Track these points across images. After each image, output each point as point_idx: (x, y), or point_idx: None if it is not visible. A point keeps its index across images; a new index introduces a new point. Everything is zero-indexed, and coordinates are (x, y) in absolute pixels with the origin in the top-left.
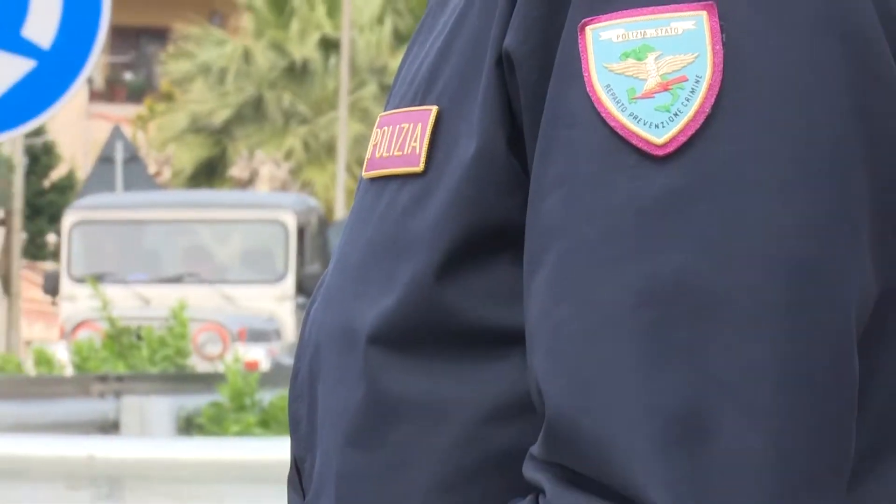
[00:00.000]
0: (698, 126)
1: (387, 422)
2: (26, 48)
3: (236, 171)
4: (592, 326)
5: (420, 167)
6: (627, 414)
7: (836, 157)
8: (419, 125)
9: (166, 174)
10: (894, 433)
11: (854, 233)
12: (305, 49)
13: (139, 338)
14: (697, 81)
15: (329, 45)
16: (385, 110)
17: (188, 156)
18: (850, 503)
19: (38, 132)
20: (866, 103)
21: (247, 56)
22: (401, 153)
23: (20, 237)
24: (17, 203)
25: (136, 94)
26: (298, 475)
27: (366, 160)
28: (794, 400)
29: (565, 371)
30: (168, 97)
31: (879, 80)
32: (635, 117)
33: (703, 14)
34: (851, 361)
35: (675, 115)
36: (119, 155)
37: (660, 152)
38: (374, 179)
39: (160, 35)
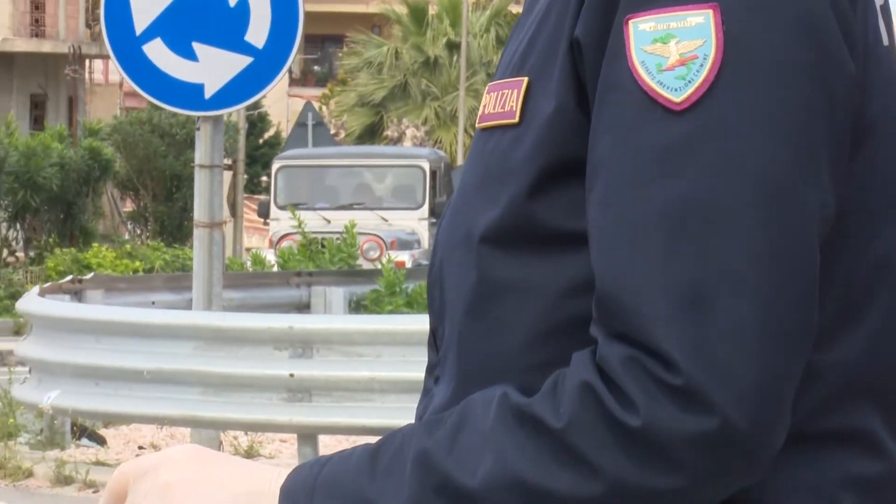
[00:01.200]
0: (705, 90)
1: (492, 298)
2: (247, 49)
3: (389, 133)
4: (626, 230)
5: (516, 120)
6: (650, 291)
7: (803, 112)
8: (515, 91)
9: (342, 135)
10: (853, 310)
11: (815, 164)
12: (436, 49)
13: (323, 246)
14: (705, 59)
15: (452, 47)
16: (493, 82)
17: (356, 122)
18: (813, 364)
19: (255, 106)
20: (824, 74)
21: (396, 54)
22: (502, 111)
23: (242, 179)
24: (241, 155)
25: (321, 81)
26: (434, 339)
27: (478, 117)
28: (773, 280)
29: (608, 260)
30: (343, 83)
31: (833, 59)
32: (661, 83)
33: (710, 11)
34: (815, 252)
35: (689, 82)
36: (310, 122)
37: (678, 108)
38: (484, 129)
39: (338, 40)
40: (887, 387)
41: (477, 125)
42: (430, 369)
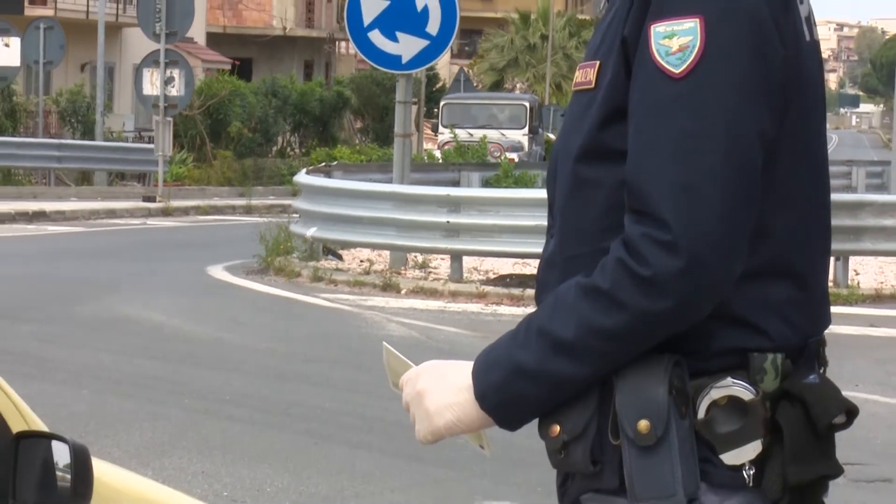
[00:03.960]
0: (693, 66)
1: (580, 188)
2: (427, 35)
3: (506, 86)
4: (647, 147)
5: (593, 86)
6: (659, 182)
7: (751, 76)
8: (592, 69)
9: (480, 87)
10: (787, 197)
11: (759, 107)
12: (534, 38)
13: (467, 150)
14: (694, 47)
15: (544, 37)
16: (581, 63)
17: (488, 80)
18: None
19: (430, 69)
20: (764, 52)
21: (511, 41)
22: (585, 80)
23: (423, 110)
24: (422, 95)
25: (469, 55)
26: (551, 210)
27: (573, 84)
28: (733, 178)
29: (636, 164)
30: (481, 57)
31: (769, 44)
32: (668, 63)
33: (697, 19)
34: (758, 161)
35: (684, 61)
36: (462, 78)
37: (678, 76)
38: (576, 92)
39: (478, 32)
40: (806, 244)
41: (573, 89)
42: (549, 229)
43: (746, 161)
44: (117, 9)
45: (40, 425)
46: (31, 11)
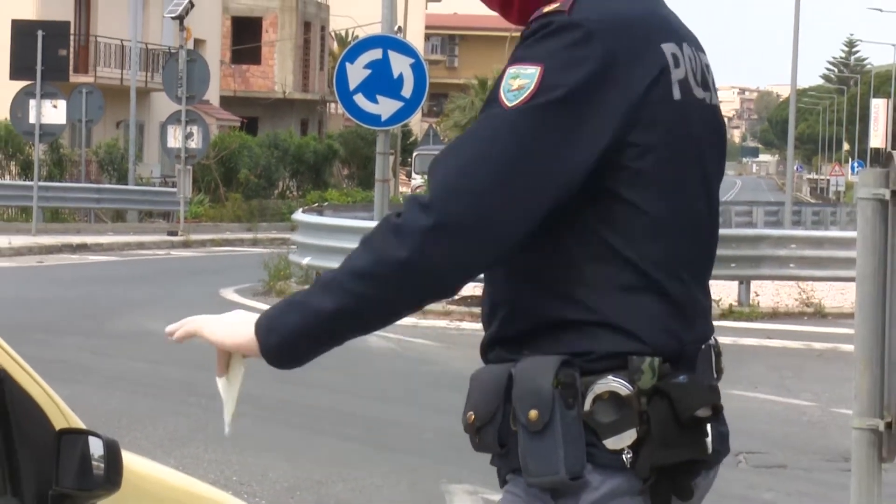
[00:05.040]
0: (519, 104)
1: None
2: (402, 98)
3: None
4: (452, 145)
5: None
6: (442, 170)
7: (567, 126)
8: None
9: (446, 140)
10: (658, 224)
11: (567, 150)
12: None
13: None
14: (528, 89)
15: None
16: None
17: (453, 134)
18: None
19: (405, 126)
20: (587, 111)
21: (472, 102)
22: None
23: (399, 159)
24: (398, 148)
25: (436, 114)
26: None
27: None
28: (503, 189)
29: (433, 172)
30: (447, 115)
31: (600, 104)
32: (505, 97)
33: (539, 67)
34: (543, 191)
35: (517, 97)
36: (431, 132)
37: (507, 108)
38: None
39: (445, 95)
40: (676, 268)
41: None
42: None
43: (524, 183)
44: (146, 77)
45: (79, 423)
46: (75, 79)
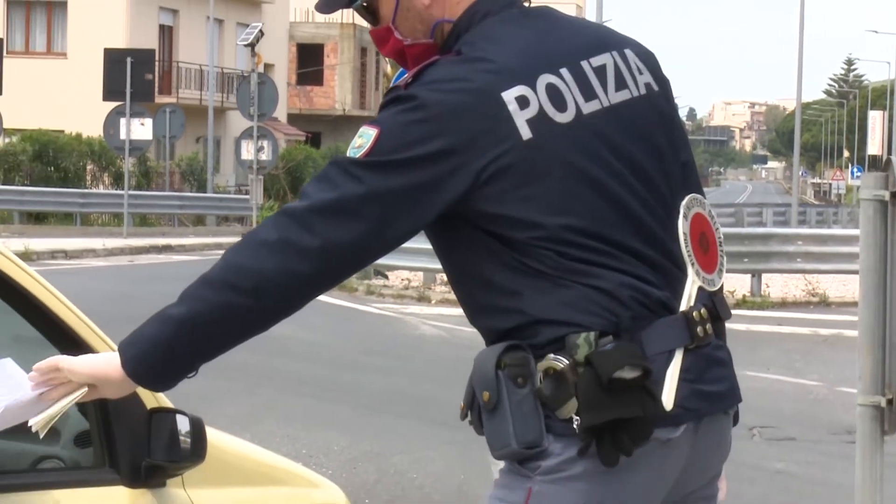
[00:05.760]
0: (360, 159)
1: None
2: None
3: None
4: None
5: None
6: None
7: (390, 178)
8: None
9: None
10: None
11: (387, 192)
12: None
13: None
14: (363, 147)
15: None
16: None
17: None
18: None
19: None
20: (419, 162)
21: None
22: None
23: None
24: None
25: None
26: None
27: None
28: (335, 221)
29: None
30: None
31: (431, 154)
32: (350, 151)
33: (375, 132)
34: (366, 222)
35: (356, 153)
36: None
37: (355, 162)
38: None
39: None
40: (589, 256)
41: None
42: None
43: (348, 214)
44: (222, 97)
45: (167, 403)
46: (160, 100)
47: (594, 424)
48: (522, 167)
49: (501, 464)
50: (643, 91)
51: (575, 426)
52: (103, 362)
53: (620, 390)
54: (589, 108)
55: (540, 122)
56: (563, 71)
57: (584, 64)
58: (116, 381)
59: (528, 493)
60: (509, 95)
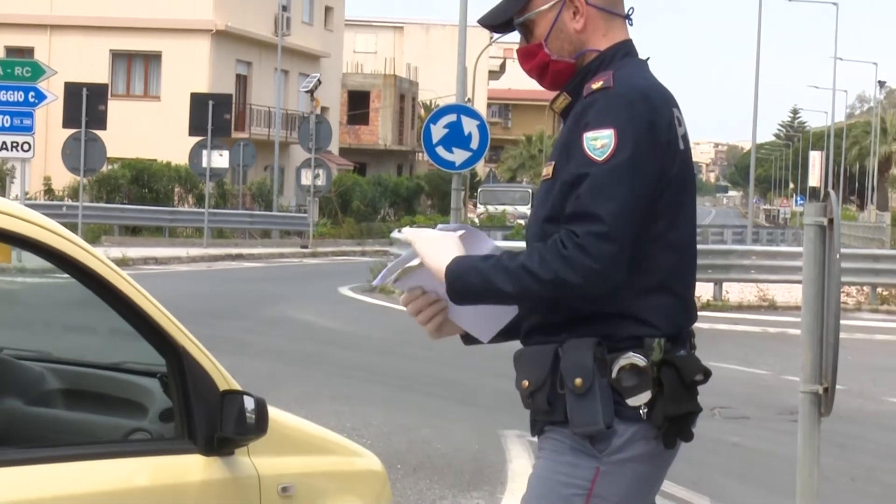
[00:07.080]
0: (608, 158)
1: (545, 238)
2: (470, 149)
3: (518, 180)
4: (590, 193)
5: (551, 177)
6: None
7: (636, 170)
8: (550, 166)
9: (502, 180)
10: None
11: (644, 182)
12: (534, 151)
13: (495, 218)
14: (609, 146)
15: (540, 150)
16: (546, 162)
17: (507, 176)
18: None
19: (473, 170)
20: (651, 156)
21: (521, 152)
22: (546, 174)
23: (468, 193)
24: (467, 185)
25: (495, 160)
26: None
27: (542, 176)
28: (626, 220)
29: (584, 200)
30: (503, 162)
31: (656, 151)
32: (593, 154)
33: (612, 130)
34: (640, 210)
35: (602, 154)
36: (491, 174)
37: (599, 162)
38: (542, 181)
39: (502, 147)
40: (682, 272)
41: (541, 179)
42: None
43: (633, 217)
44: (287, 134)
45: (236, 385)
46: (235, 135)
47: (676, 415)
48: (680, 174)
49: (511, 436)
50: (689, 144)
51: (642, 413)
52: (436, 268)
53: (692, 389)
54: (686, 146)
55: (684, 141)
56: (676, 111)
57: (676, 111)
58: (436, 271)
59: (595, 473)
60: (674, 112)
